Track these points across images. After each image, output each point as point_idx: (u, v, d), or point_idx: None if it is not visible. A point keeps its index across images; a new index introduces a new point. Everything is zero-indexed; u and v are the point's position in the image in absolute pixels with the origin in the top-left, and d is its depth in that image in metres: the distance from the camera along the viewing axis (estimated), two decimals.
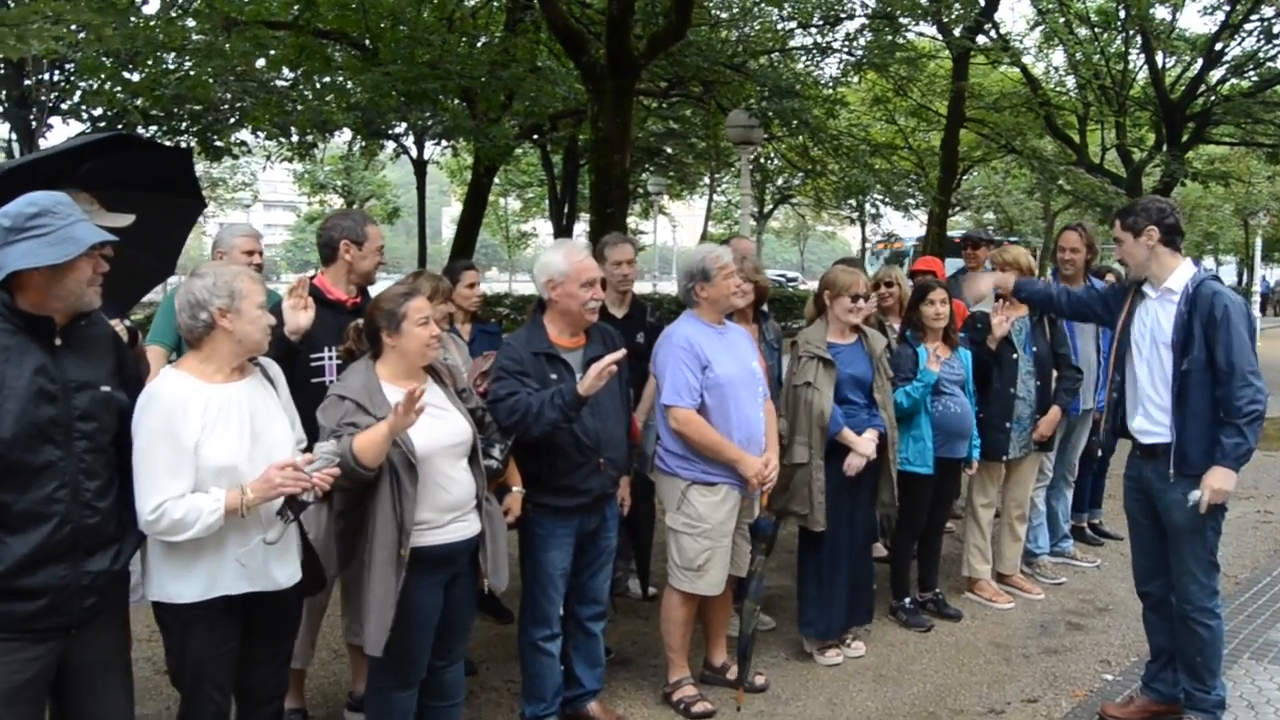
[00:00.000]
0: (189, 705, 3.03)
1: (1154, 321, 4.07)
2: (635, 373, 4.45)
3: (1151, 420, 4.07)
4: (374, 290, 3.97)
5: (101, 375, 2.80)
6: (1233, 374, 3.80)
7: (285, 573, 3.03)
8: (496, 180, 32.68)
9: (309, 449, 3.11)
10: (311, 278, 4.02)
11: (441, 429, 3.41)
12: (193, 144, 18.64)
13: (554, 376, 3.89)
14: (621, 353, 3.80)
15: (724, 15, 14.60)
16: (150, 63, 13.00)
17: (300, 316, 3.60)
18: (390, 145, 24.23)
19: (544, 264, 3.99)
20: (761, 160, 22.80)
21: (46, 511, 2.63)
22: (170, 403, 2.85)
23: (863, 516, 4.89)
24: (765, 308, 5.49)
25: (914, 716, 4.33)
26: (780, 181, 29.36)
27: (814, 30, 15.44)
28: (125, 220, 3.24)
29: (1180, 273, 4.04)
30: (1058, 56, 20.18)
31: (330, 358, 3.85)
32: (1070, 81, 19.98)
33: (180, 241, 4.11)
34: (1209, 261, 52.77)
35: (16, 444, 2.57)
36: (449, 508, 3.41)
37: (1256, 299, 26.78)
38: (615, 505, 4.21)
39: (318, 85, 14.94)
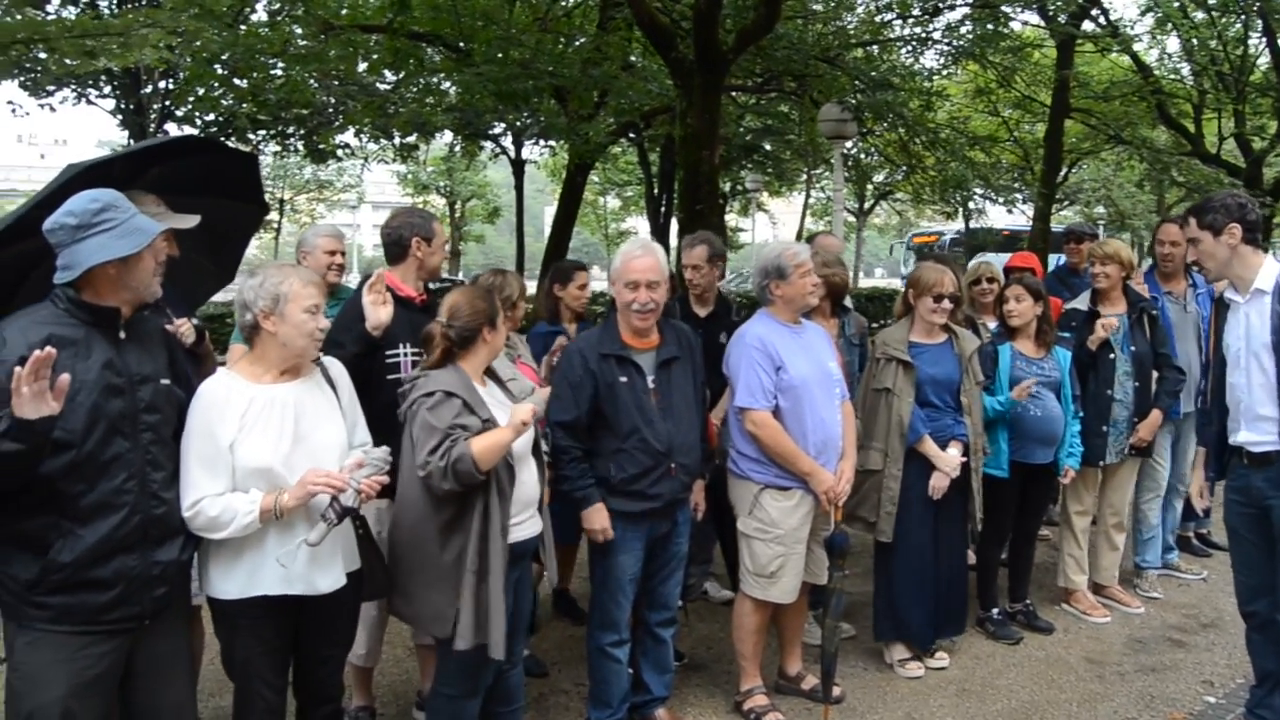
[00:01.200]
0: (241, 698, 3.09)
1: (1246, 326, 3.80)
2: (716, 373, 4.36)
3: (1258, 430, 3.78)
4: None
5: (160, 368, 2.86)
6: None
7: (327, 579, 3.02)
8: (596, 179, 32.92)
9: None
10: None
11: None
12: (299, 146, 19.26)
13: (623, 379, 3.83)
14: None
15: (818, 7, 14.34)
16: (256, 70, 13.42)
17: (381, 312, 3.64)
18: (489, 146, 24.53)
19: (612, 260, 3.97)
20: (859, 155, 22.41)
21: (116, 502, 2.69)
22: (210, 402, 2.89)
23: (950, 524, 4.69)
24: (848, 302, 5.33)
25: None
26: (881, 177, 28.85)
27: (912, 20, 15.08)
28: (191, 221, 3.29)
29: (1268, 270, 3.77)
30: (1171, 43, 19.31)
31: (405, 354, 3.86)
32: (1185, 68, 19.11)
33: (241, 248, 4.17)
34: None
35: (89, 437, 2.64)
36: (525, 504, 3.43)
37: None
38: (687, 511, 4.13)
39: (415, 88, 15.21)
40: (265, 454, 2.89)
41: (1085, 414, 5.19)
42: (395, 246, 4.07)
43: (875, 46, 15.60)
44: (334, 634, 3.21)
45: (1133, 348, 5.27)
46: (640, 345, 3.93)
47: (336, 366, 3.22)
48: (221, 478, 2.85)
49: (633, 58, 14.76)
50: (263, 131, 18.93)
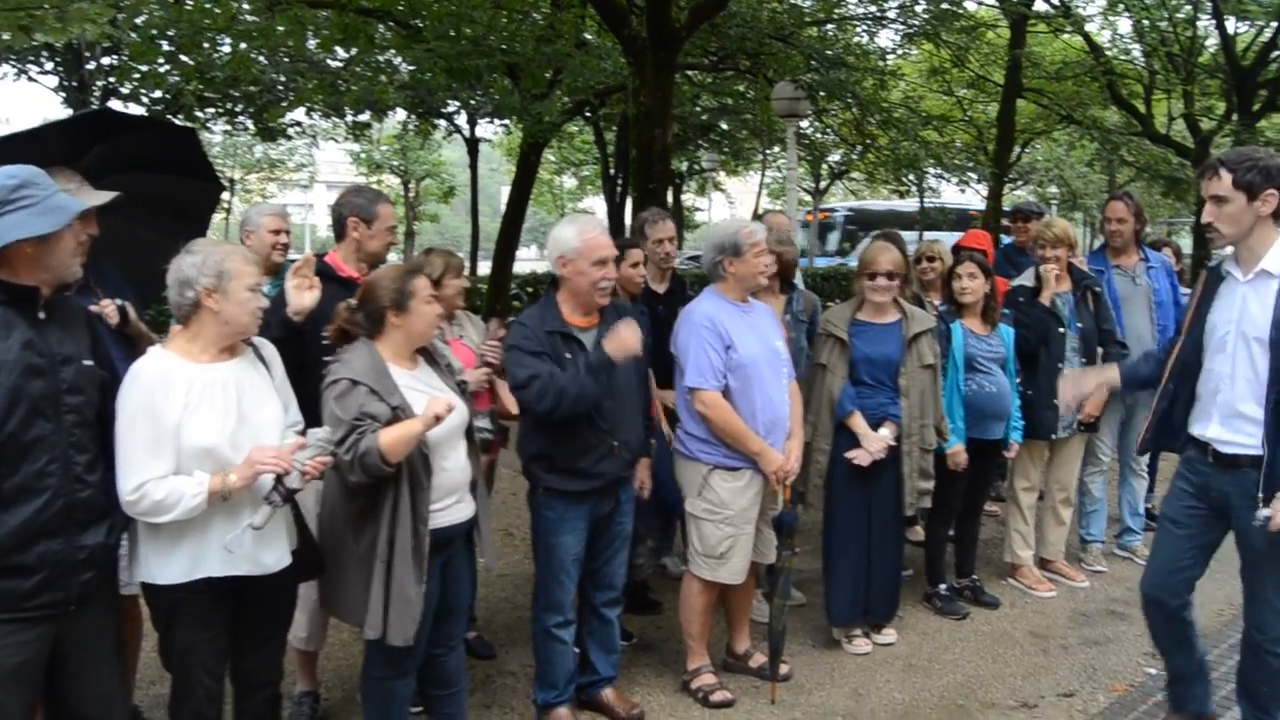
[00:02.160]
0: (180, 688, 3.01)
1: (1242, 309, 3.39)
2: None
3: (1233, 428, 3.42)
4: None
5: (83, 349, 2.78)
6: None
7: (272, 556, 2.98)
8: (551, 158, 32.68)
9: (306, 431, 3.05)
10: (321, 255, 3.98)
11: None
12: (248, 124, 18.94)
13: (568, 356, 3.79)
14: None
15: None
16: (205, 45, 13.12)
17: (304, 297, 3.53)
18: (443, 124, 24.27)
19: (556, 239, 3.86)
20: (813, 134, 22.46)
21: (39, 486, 2.62)
22: (151, 382, 2.80)
23: (883, 506, 4.65)
24: (799, 281, 5.33)
25: (941, 709, 4.18)
26: (836, 156, 28.94)
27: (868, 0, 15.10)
28: (108, 197, 3.20)
29: (1279, 250, 3.33)
30: (1123, 24, 19.52)
31: None
32: (1136, 49, 19.34)
33: (203, 225, 4.08)
34: None
35: (10, 419, 2.56)
36: (449, 490, 3.36)
37: None
38: (630, 490, 4.10)
39: (366, 65, 14.96)
40: (211, 434, 2.83)
41: (1037, 389, 5.23)
42: (337, 225, 4.01)
43: (830, 25, 15.59)
44: (274, 615, 3.16)
45: (1079, 325, 5.32)
46: (582, 324, 3.87)
47: (268, 347, 3.16)
48: (167, 459, 2.78)
49: (587, 35, 14.62)
50: (210, 109, 18.58)
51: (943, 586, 5.25)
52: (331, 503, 3.27)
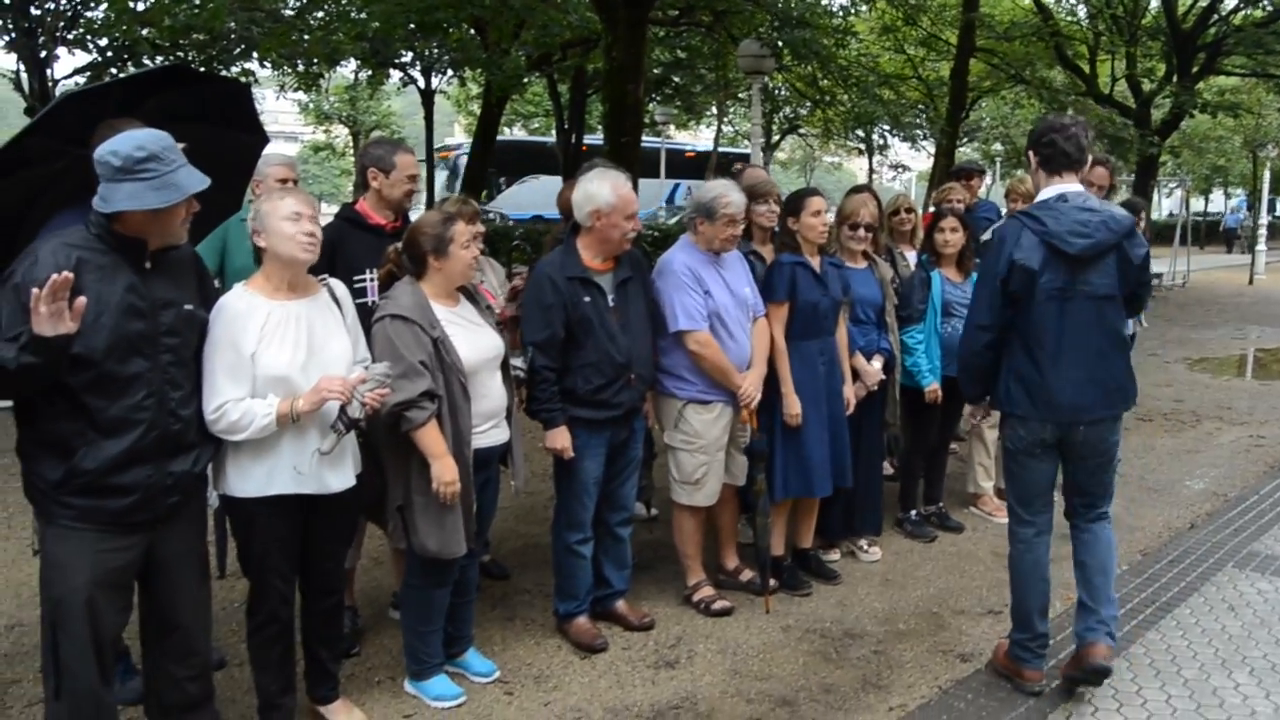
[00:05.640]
0: (257, 590, 3.36)
1: None
2: None
3: None
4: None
5: (185, 295, 3.05)
6: None
7: (338, 479, 3.29)
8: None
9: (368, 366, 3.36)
10: (352, 204, 4.27)
11: (480, 342, 3.72)
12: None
13: (587, 299, 4.11)
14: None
15: None
16: None
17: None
18: (396, 75, 24.12)
19: (590, 194, 4.13)
20: (770, 90, 22.79)
21: (135, 418, 2.89)
22: (233, 315, 3.12)
23: (871, 430, 5.17)
24: None
25: (918, 615, 4.65)
26: (788, 111, 29.28)
27: None
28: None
29: (1040, 195, 3.80)
30: None
31: (371, 279, 4.08)
32: (1082, 11, 19.91)
33: (247, 177, 4.27)
34: (1217, 194, 52.36)
35: (110, 355, 2.83)
36: (488, 415, 3.73)
37: (1263, 232, 26.69)
38: (643, 419, 4.48)
39: (323, 14, 14.91)
40: (283, 363, 3.14)
41: None
42: (360, 176, 4.28)
43: None
44: (338, 532, 3.48)
45: None
46: (600, 268, 4.21)
47: (341, 288, 3.46)
48: (243, 384, 3.09)
49: None
50: (161, 58, 18.29)
51: (913, 513, 5.73)
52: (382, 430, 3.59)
